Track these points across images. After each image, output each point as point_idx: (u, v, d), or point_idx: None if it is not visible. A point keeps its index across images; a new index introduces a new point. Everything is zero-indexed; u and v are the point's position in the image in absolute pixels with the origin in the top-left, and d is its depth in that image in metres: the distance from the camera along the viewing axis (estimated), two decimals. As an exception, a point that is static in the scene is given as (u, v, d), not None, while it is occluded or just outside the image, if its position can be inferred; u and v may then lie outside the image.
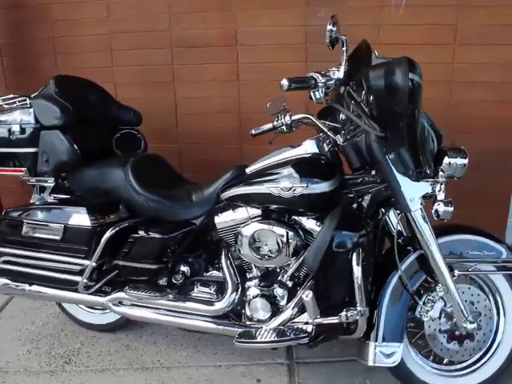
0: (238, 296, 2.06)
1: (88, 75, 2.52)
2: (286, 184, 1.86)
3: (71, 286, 2.18)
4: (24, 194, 3.42)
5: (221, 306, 2.05)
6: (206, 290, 2.14)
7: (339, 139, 1.87)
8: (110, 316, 2.48)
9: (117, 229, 2.10)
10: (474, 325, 1.87)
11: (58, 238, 2.14)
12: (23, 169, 2.26)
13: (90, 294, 2.19)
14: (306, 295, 1.82)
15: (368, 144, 1.78)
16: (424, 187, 1.78)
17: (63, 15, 3.16)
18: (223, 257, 2.10)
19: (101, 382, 2.19)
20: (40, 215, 2.18)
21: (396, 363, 1.88)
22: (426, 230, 1.80)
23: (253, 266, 2.06)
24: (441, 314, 1.92)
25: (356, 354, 2.00)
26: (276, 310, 2.00)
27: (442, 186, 1.78)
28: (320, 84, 1.74)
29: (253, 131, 2.01)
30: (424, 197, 1.80)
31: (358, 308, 1.81)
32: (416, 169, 1.74)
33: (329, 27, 1.74)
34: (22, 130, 2.22)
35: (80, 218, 2.10)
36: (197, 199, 2.14)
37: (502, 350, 2.00)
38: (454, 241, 1.95)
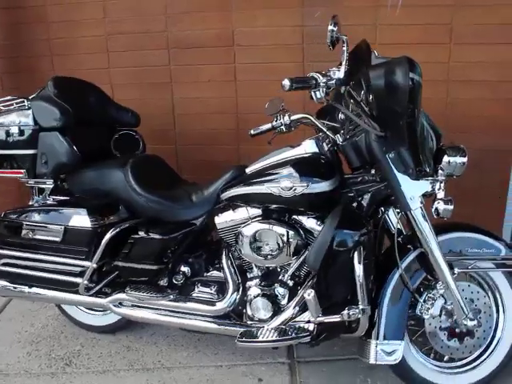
0: (239, 296, 2.06)
1: (84, 77, 2.52)
2: (287, 184, 1.87)
3: (71, 287, 2.17)
4: (21, 196, 3.42)
5: (222, 305, 2.06)
6: (207, 290, 2.14)
7: (339, 139, 1.88)
8: (110, 317, 2.47)
9: (117, 230, 2.09)
10: (475, 322, 1.89)
11: (58, 239, 2.13)
12: (22, 170, 2.25)
13: (90, 295, 2.19)
14: (308, 294, 1.83)
15: (368, 143, 1.79)
16: (424, 186, 1.79)
17: (59, 17, 3.16)
18: (224, 257, 2.10)
19: (102, 384, 2.20)
20: (40, 217, 2.18)
21: (397, 361, 1.90)
22: (426, 229, 1.81)
23: (253, 265, 2.06)
24: (441, 311, 1.93)
25: (357, 352, 2.02)
26: (277, 310, 2.00)
27: (442, 185, 1.79)
28: (322, 84, 1.74)
29: (252, 131, 2.01)
30: (424, 195, 1.81)
31: (360, 306, 1.82)
32: (416, 167, 1.75)
33: (330, 27, 1.75)
34: (21, 132, 2.21)
35: (80, 220, 2.09)
36: (197, 200, 2.15)
37: (502, 347, 2.02)
38: (454, 239, 1.96)
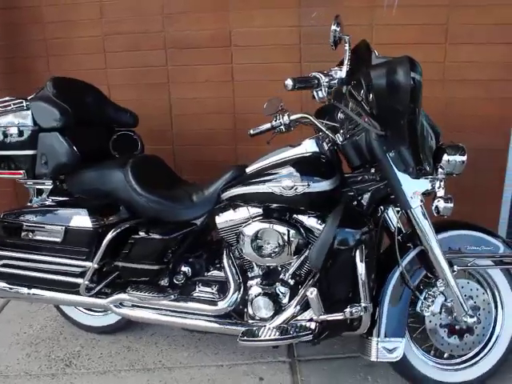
0: (240, 295, 2.07)
1: (81, 77, 2.51)
2: (288, 183, 1.88)
3: (72, 288, 2.17)
4: (16, 197, 3.41)
5: (223, 305, 2.06)
6: (208, 289, 2.15)
7: (339, 138, 1.89)
8: (109, 318, 2.47)
9: (118, 230, 2.09)
10: (474, 319, 1.90)
11: (58, 240, 2.13)
12: (21, 171, 2.24)
13: (90, 296, 2.18)
14: (311, 292, 1.84)
15: (368, 142, 1.81)
16: (424, 184, 1.81)
17: (56, 17, 3.14)
18: (225, 256, 2.10)
19: (103, 384, 2.20)
20: (40, 218, 2.17)
21: (398, 358, 1.91)
22: (426, 227, 1.83)
23: (254, 264, 2.07)
24: (441, 308, 1.95)
25: (358, 350, 2.03)
26: (278, 309, 2.01)
27: (442, 183, 1.81)
28: (325, 83, 1.76)
29: (251, 131, 2.01)
30: (423, 194, 1.82)
31: (363, 304, 1.84)
32: (416, 166, 1.76)
33: (333, 27, 1.76)
34: (20, 133, 2.20)
35: (81, 220, 2.09)
36: (197, 199, 2.15)
37: (501, 343, 2.05)
38: (453, 236, 1.98)
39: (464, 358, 2.05)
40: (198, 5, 3.02)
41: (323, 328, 1.93)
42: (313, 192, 1.88)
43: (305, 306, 1.96)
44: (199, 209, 2.14)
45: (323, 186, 1.88)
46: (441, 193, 1.80)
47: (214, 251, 2.21)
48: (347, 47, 1.77)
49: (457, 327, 1.97)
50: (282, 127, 1.94)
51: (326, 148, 1.95)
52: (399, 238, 1.97)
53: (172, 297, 2.13)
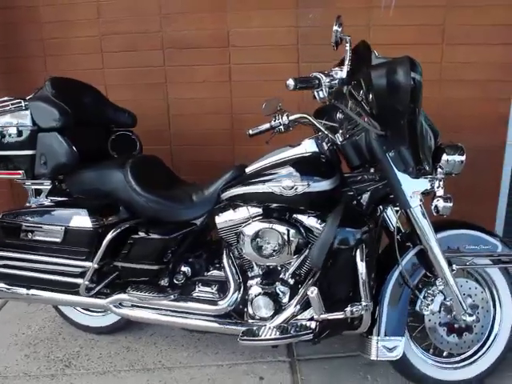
0: (240, 295, 2.07)
1: (78, 77, 2.50)
2: (289, 183, 1.88)
3: (72, 288, 2.16)
4: (12, 198, 3.40)
5: (223, 305, 2.06)
6: (208, 289, 2.15)
7: (338, 138, 1.90)
8: (108, 318, 2.47)
9: (118, 230, 2.09)
10: (473, 317, 1.92)
11: (58, 240, 2.12)
12: (20, 171, 2.23)
13: (90, 296, 2.18)
14: (312, 291, 1.84)
15: (368, 142, 1.81)
16: (423, 184, 1.82)
17: (53, 17, 3.13)
18: (225, 256, 2.11)
19: (103, 385, 2.20)
20: (39, 218, 2.16)
21: (398, 357, 1.93)
22: (425, 226, 1.85)
23: (254, 264, 2.08)
24: (440, 307, 1.96)
25: (358, 348, 2.04)
26: (278, 308, 2.01)
27: (441, 183, 1.82)
28: (326, 83, 1.76)
29: (250, 131, 2.02)
30: (423, 193, 1.84)
31: (363, 303, 1.84)
32: (416, 166, 1.77)
33: (335, 27, 1.77)
34: (19, 133, 2.19)
35: (81, 220, 2.09)
36: (197, 199, 2.15)
37: (499, 342, 2.06)
38: (452, 236, 2.00)
39: (463, 356, 2.07)
40: (195, 5, 3.01)
41: (323, 327, 1.93)
42: (313, 192, 1.88)
43: (305, 305, 1.97)
44: (199, 209, 2.14)
45: (323, 185, 1.89)
46: (440, 192, 1.81)
47: (214, 251, 2.21)
48: (348, 47, 1.77)
49: (456, 326, 1.99)
50: (281, 127, 1.95)
51: (326, 148, 1.96)
52: (398, 237, 1.99)
53: (172, 297, 2.13)
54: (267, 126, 1.97)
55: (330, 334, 1.98)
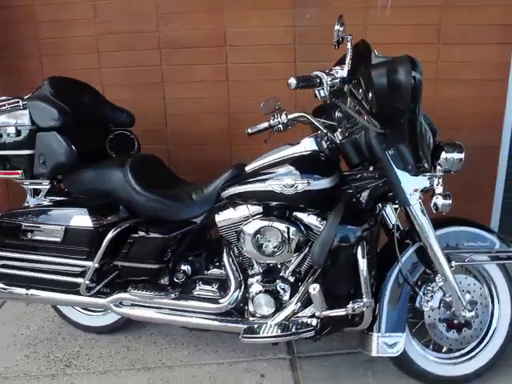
0: (241, 293, 2.08)
1: (75, 77, 2.50)
2: (289, 181, 1.89)
3: (72, 288, 2.16)
4: (9, 198, 3.39)
5: (224, 303, 2.07)
6: (209, 288, 2.16)
7: (337, 136, 1.92)
8: (108, 318, 2.47)
9: (119, 229, 2.09)
10: (472, 313, 1.95)
11: (58, 240, 2.12)
12: (19, 171, 2.22)
13: (91, 295, 2.18)
14: (313, 288, 1.85)
15: (367, 140, 1.83)
16: (422, 181, 1.83)
17: (48, 16, 3.13)
18: (225, 255, 2.11)
19: (103, 384, 2.20)
20: (39, 218, 2.16)
21: (399, 353, 1.94)
22: (424, 223, 1.86)
23: (254, 262, 2.08)
24: (440, 303, 1.98)
25: (359, 345, 2.06)
26: (279, 306, 2.02)
27: (440, 180, 1.83)
28: (328, 82, 1.78)
29: (249, 130, 2.03)
30: (422, 191, 1.85)
31: (365, 300, 1.86)
32: (415, 164, 1.79)
33: (336, 27, 1.79)
34: (18, 132, 2.19)
35: (81, 220, 2.08)
36: (197, 198, 2.15)
37: (497, 337, 2.08)
38: (450, 233, 2.01)
39: (462, 352, 2.09)
40: (192, 5, 3.03)
41: (325, 324, 1.95)
42: (313, 190, 1.89)
43: (305, 302, 1.98)
44: (199, 207, 2.15)
45: (323, 183, 1.90)
46: (439, 190, 1.83)
47: (214, 250, 2.21)
48: (349, 47, 1.79)
49: (455, 321, 2.00)
50: (279, 126, 1.97)
51: (325, 146, 1.97)
52: (397, 234, 2.00)
53: (173, 295, 2.13)
54: (266, 124, 1.99)
55: (331, 331, 1.99)
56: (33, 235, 2.16)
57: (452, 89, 2.91)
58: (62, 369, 2.29)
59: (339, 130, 1.93)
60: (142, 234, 2.13)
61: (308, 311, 1.98)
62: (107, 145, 2.53)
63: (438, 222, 1.98)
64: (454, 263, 1.94)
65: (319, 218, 1.94)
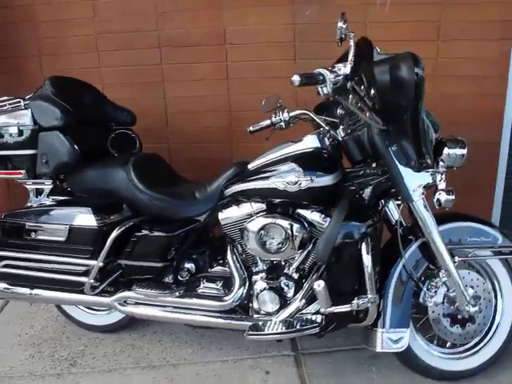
0: (245, 290, 2.08)
1: (75, 76, 2.49)
2: (292, 178, 1.90)
3: (76, 287, 2.17)
4: (10, 198, 3.39)
5: (229, 300, 2.07)
6: (213, 285, 2.16)
7: (340, 133, 1.92)
8: (112, 316, 2.48)
9: (123, 228, 2.09)
10: (476, 308, 1.96)
11: (62, 239, 2.12)
12: (22, 171, 2.22)
13: (95, 294, 2.19)
14: (318, 285, 1.86)
15: (370, 137, 1.84)
16: (425, 177, 1.84)
17: (48, 16, 3.11)
18: (229, 252, 2.11)
19: (109, 383, 2.19)
20: (42, 217, 2.16)
21: (403, 348, 1.96)
22: (427, 219, 1.87)
23: (258, 259, 2.09)
24: (444, 298, 1.99)
25: (363, 341, 2.07)
26: (284, 303, 2.03)
27: (443, 176, 1.84)
28: (331, 79, 1.78)
29: (251, 128, 2.03)
30: (425, 187, 1.86)
31: (369, 296, 1.87)
32: (418, 160, 1.79)
33: (339, 24, 1.79)
34: (20, 132, 2.18)
35: (85, 219, 2.09)
36: (200, 196, 2.16)
37: (501, 332, 2.10)
38: (453, 228, 2.02)
39: (466, 346, 2.10)
40: (191, 3, 3.02)
41: (329, 320, 1.96)
42: (316, 187, 1.90)
43: (310, 299, 1.99)
44: (202, 205, 2.15)
45: (326, 180, 1.91)
46: (442, 186, 1.83)
47: (217, 247, 2.22)
48: (352, 43, 1.79)
49: (459, 316, 2.01)
50: (281, 123, 1.98)
51: (328, 143, 1.97)
52: (400, 230, 2.01)
53: (177, 293, 2.13)
54: (268, 122, 1.99)
55: (335, 328, 2.00)
56: (36, 235, 2.16)
57: (452, 85, 2.91)
58: (66, 368, 2.29)
59: (341, 126, 1.94)
60: (145, 232, 2.14)
61: (312, 308, 1.99)
62: (109, 144, 2.53)
63: (441, 218, 1.99)
64: (457, 258, 1.95)
65: (322, 215, 1.94)
